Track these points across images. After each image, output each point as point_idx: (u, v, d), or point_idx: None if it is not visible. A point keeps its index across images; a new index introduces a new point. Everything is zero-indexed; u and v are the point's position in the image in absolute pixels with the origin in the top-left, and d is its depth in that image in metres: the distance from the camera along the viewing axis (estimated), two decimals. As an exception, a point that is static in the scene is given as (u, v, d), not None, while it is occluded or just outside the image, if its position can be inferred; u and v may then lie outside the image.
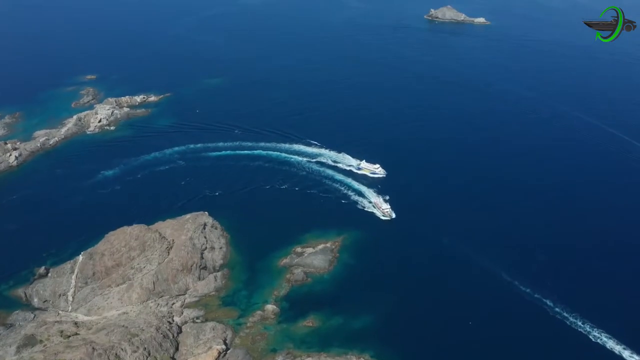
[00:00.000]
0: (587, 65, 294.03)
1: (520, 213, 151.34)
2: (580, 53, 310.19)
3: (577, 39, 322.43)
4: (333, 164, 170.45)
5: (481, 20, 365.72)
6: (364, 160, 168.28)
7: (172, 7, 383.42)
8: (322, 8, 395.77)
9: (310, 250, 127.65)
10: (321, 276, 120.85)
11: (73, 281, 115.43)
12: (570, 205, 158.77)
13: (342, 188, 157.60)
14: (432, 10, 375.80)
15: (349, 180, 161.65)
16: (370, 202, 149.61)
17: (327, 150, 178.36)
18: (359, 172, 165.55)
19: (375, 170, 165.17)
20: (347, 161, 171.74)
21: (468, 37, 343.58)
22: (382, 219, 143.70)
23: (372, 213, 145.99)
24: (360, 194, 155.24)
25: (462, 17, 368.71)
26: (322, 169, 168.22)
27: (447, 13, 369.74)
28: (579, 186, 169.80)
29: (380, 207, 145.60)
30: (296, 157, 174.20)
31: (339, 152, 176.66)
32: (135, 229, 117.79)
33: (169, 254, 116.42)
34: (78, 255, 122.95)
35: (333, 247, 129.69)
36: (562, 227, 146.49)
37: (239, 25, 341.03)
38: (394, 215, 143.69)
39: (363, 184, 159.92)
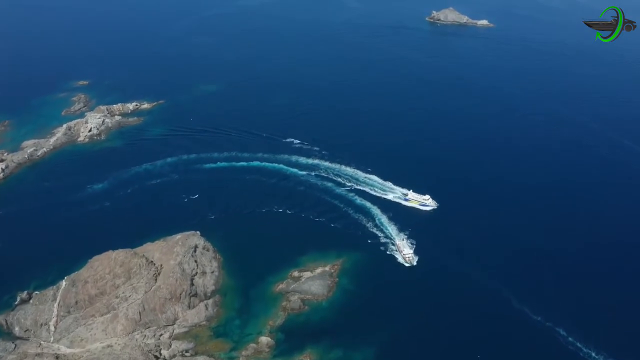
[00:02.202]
0: (600, 68, 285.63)
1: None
2: (590, 55, 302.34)
3: (584, 40, 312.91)
4: (378, 194, 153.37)
5: (484, 22, 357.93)
6: (411, 190, 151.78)
7: (169, 9, 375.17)
8: (321, 9, 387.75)
9: (308, 274, 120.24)
10: (319, 304, 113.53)
11: (55, 310, 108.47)
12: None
13: (366, 222, 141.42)
14: (434, 12, 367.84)
15: (368, 205, 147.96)
16: (393, 244, 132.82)
17: (365, 175, 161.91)
18: (407, 203, 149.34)
19: (425, 201, 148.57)
20: (390, 189, 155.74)
21: (473, 40, 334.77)
22: (400, 264, 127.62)
23: (392, 255, 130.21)
24: (380, 227, 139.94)
25: (464, 19, 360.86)
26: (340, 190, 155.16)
27: (450, 15, 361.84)
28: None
29: (402, 251, 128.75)
30: (295, 169, 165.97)
31: (385, 179, 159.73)
32: (121, 255, 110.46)
33: (156, 281, 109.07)
34: (62, 279, 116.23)
35: (332, 270, 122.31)
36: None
37: (237, 27, 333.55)
38: (414, 263, 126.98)
39: (390, 218, 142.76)
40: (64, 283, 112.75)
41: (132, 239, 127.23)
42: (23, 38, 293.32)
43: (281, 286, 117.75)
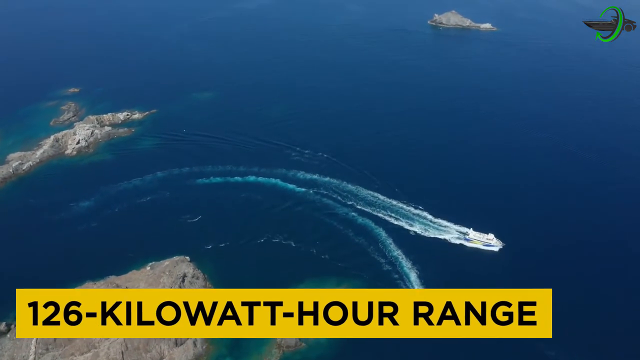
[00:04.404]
0: (615, 75, 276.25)
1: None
2: (604, 61, 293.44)
3: (592, 44, 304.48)
4: (429, 233, 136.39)
5: (487, 26, 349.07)
6: (471, 229, 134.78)
7: (165, 13, 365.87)
8: (320, 13, 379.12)
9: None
10: (317, 340, 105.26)
11: (33, 347, 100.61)
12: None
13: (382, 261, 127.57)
14: (436, 15, 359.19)
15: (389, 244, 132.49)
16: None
17: (415, 210, 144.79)
18: (469, 244, 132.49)
19: (490, 241, 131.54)
20: (445, 227, 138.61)
21: (478, 44, 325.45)
22: None
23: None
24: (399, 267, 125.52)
25: (467, 22, 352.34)
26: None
27: (452, 18, 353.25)
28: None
29: None
30: (296, 187, 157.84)
31: (436, 216, 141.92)
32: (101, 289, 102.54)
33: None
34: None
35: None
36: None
37: (234, 31, 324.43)
38: None
39: (414, 263, 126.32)
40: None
41: (116, 266, 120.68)
42: (12, 42, 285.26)
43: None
